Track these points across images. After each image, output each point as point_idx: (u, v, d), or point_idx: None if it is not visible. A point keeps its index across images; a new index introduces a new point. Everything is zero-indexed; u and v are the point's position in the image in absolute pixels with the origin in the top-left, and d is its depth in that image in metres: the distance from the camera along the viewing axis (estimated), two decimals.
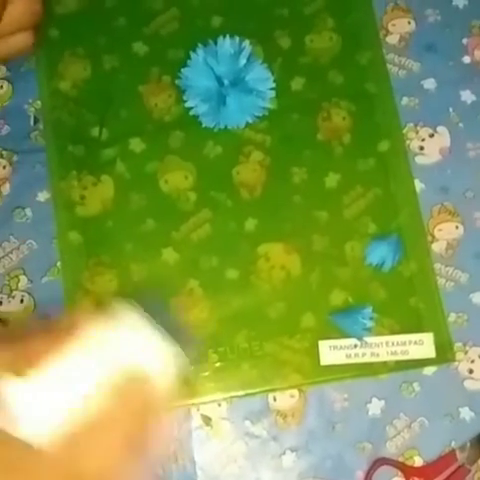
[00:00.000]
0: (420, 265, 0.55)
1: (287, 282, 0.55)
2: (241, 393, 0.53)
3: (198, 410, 0.54)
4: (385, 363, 0.53)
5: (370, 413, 0.53)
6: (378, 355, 0.53)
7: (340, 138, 0.57)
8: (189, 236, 0.56)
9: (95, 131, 0.58)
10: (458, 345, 0.54)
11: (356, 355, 0.53)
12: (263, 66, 0.58)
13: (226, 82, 0.56)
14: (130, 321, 0.33)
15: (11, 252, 0.56)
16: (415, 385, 0.54)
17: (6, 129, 0.58)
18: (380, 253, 0.54)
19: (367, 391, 0.54)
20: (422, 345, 0.53)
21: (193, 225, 0.56)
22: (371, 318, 0.54)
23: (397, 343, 0.53)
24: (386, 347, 0.53)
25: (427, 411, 0.53)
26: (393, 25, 0.60)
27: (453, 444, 0.53)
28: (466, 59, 0.59)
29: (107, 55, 0.59)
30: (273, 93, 0.57)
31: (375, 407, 0.53)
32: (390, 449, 0.53)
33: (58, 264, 0.56)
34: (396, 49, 0.60)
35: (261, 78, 0.57)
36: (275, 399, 0.54)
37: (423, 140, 0.58)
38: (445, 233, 0.56)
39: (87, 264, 0.55)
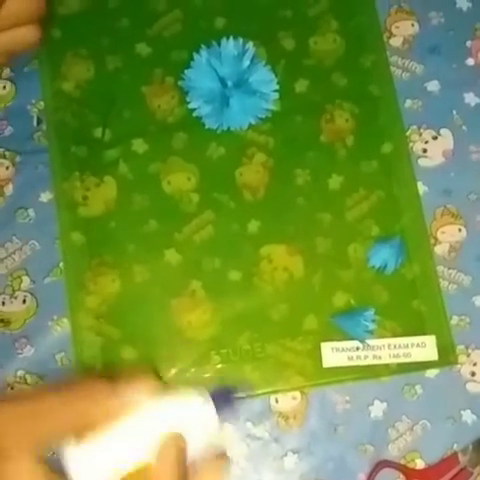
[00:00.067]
0: (423, 268, 0.55)
1: (290, 284, 0.55)
2: (243, 395, 0.53)
3: None
4: (387, 365, 0.53)
5: (372, 415, 0.53)
6: (380, 357, 0.53)
7: (343, 140, 0.57)
8: (192, 237, 0.56)
9: (98, 132, 0.57)
10: (460, 348, 0.54)
11: (358, 357, 0.53)
12: (266, 68, 0.58)
13: (229, 83, 0.56)
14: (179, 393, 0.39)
15: (14, 253, 0.56)
16: (417, 388, 0.54)
17: (9, 130, 0.58)
18: (383, 255, 0.54)
19: (369, 393, 0.54)
20: (424, 348, 0.53)
21: (196, 226, 0.56)
22: (373, 320, 0.54)
23: (399, 346, 0.53)
24: (388, 349, 0.53)
25: (429, 414, 0.53)
26: (397, 27, 0.60)
27: (455, 447, 0.53)
28: (470, 61, 0.59)
29: (110, 56, 0.59)
30: (276, 95, 0.57)
31: (377, 409, 0.53)
32: (392, 451, 0.53)
33: (61, 265, 0.56)
34: (400, 51, 0.60)
35: (264, 80, 0.57)
36: (277, 401, 0.54)
37: (426, 142, 0.58)
38: (448, 236, 0.56)
39: (90, 265, 0.55)
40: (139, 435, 0.37)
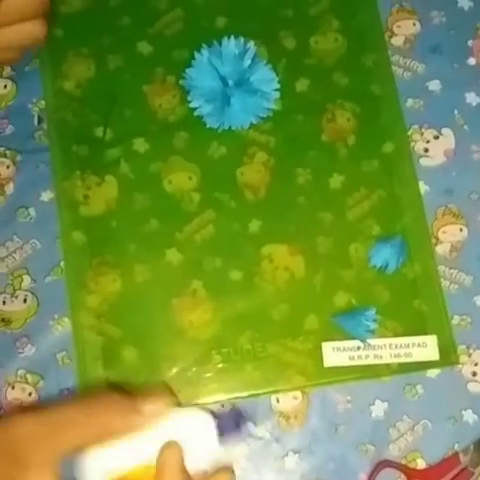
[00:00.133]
0: (424, 267, 0.55)
1: (291, 284, 0.55)
2: (244, 394, 0.53)
3: None
4: (388, 365, 0.53)
5: (373, 415, 0.53)
6: (381, 357, 0.53)
7: (344, 139, 0.57)
8: (193, 237, 0.56)
9: (99, 131, 0.57)
10: (462, 348, 0.54)
11: (359, 357, 0.53)
12: (268, 67, 0.58)
13: (230, 83, 0.56)
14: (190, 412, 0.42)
15: (15, 252, 0.56)
16: (418, 387, 0.54)
17: (10, 129, 0.58)
18: (384, 255, 0.54)
19: (370, 393, 0.54)
20: (426, 347, 0.53)
21: (197, 226, 0.56)
22: (375, 320, 0.53)
23: (400, 345, 0.53)
24: (389, 349, 0.53)
25: (430, 414, 0.53)
26: (398, 27, 0.60)
27: (456, 447, 0.53)
28: (471, 61, 0.59)
29: (111, 55, 0.59)
30: (277, 94, 0.57)
31: (378, 409, 0.53)
32: (393, 451, 0.53)
33: (61, 264, 0.56)
34: (401, 51, 0.59)
35: (266, 79, 0.57)
36: (278, 401, 0.54)
37: (428, 142, 0.58)
38: (449, 235, 0.56)
39: (91, 264, 0.55)
40: (143, 439, 0.39)
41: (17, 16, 0.47)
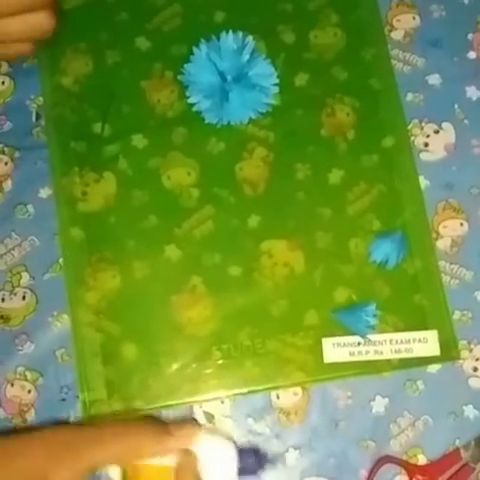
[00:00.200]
0: (424, 262, 0.55)
1: (290, 279, 0.54)
2: (244, 390, 0.53)
3: (201, 407, 0.53)
4: (389, 361, 0.53)
5: (374, 411, 0.53)
6: (382, 353, 0.53)
7: (344, 134, 0.57)
8: (192, 233, 0.55)
9: (97, 127, 0.57)
10: (463, 343, 0.54)
11: (360, 353, 0.53)
12: (266, 62, 0.57)
13: (229, 78, 0.56)
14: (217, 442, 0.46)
15: (13, 248, 0.56)
16: (419, 383, 0.53)
17: (8, 125, 0.58)
18: (384, 250, 0.54)
19: (371, 389, 0.53)
20: (426, 343, 0.53)
21: (196, 222, 0.56)
22: (375, 315, 0.53)
23: (401, 341, 0.53)
24: (390, 345, 0.53)
25: (431, 409, 0.53)
26: (398, 21, 0.60)
27: (457, 442, 0.53)
28: (471, 55, 0.59)
29: (109, 50, 0.59)
30: (276, 89, 0.57)
31: (379, 405, 0.53)
32: (394, 447, 0.53)
33: (60, 260, 0.55)
34: (401, 45, 0.59)
35: (264, 74, 0.57)
36: (278, 397, 0.53)
37: (428, 136, 0.57)
38: (450, 230, 0.56)
39: (89, 260, 0.55)
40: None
41: (27, 6, 0.47)
